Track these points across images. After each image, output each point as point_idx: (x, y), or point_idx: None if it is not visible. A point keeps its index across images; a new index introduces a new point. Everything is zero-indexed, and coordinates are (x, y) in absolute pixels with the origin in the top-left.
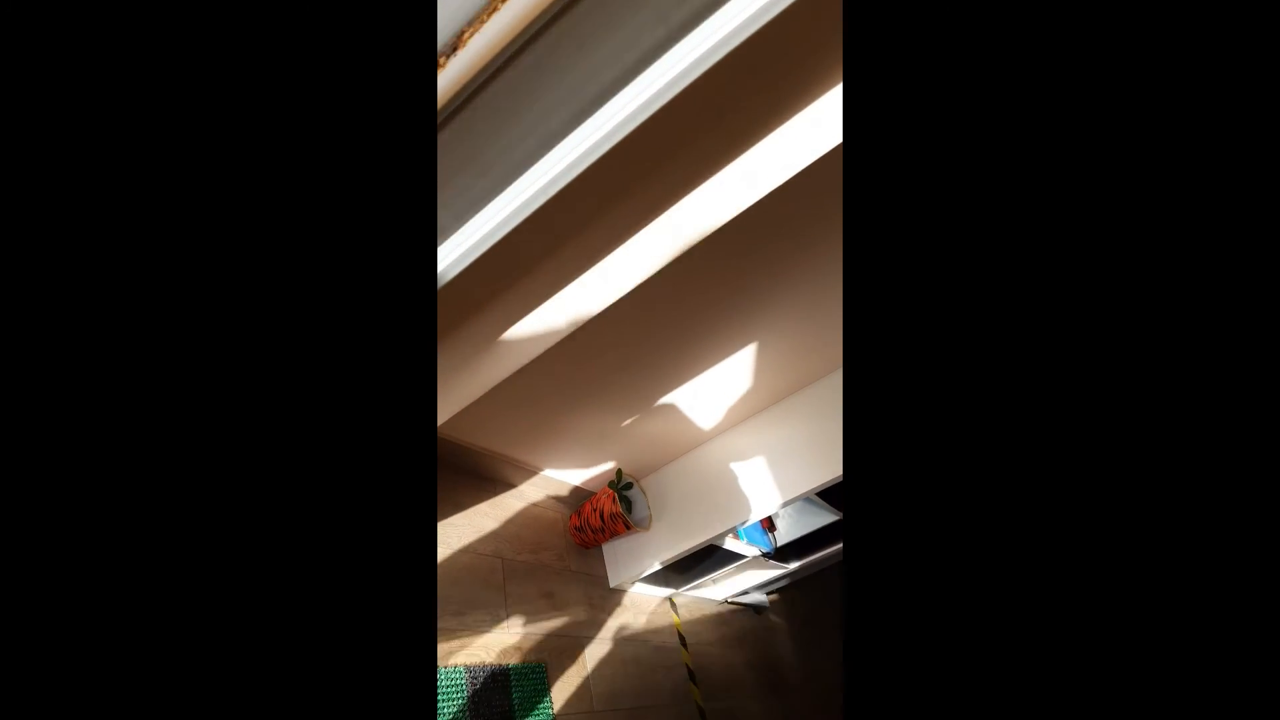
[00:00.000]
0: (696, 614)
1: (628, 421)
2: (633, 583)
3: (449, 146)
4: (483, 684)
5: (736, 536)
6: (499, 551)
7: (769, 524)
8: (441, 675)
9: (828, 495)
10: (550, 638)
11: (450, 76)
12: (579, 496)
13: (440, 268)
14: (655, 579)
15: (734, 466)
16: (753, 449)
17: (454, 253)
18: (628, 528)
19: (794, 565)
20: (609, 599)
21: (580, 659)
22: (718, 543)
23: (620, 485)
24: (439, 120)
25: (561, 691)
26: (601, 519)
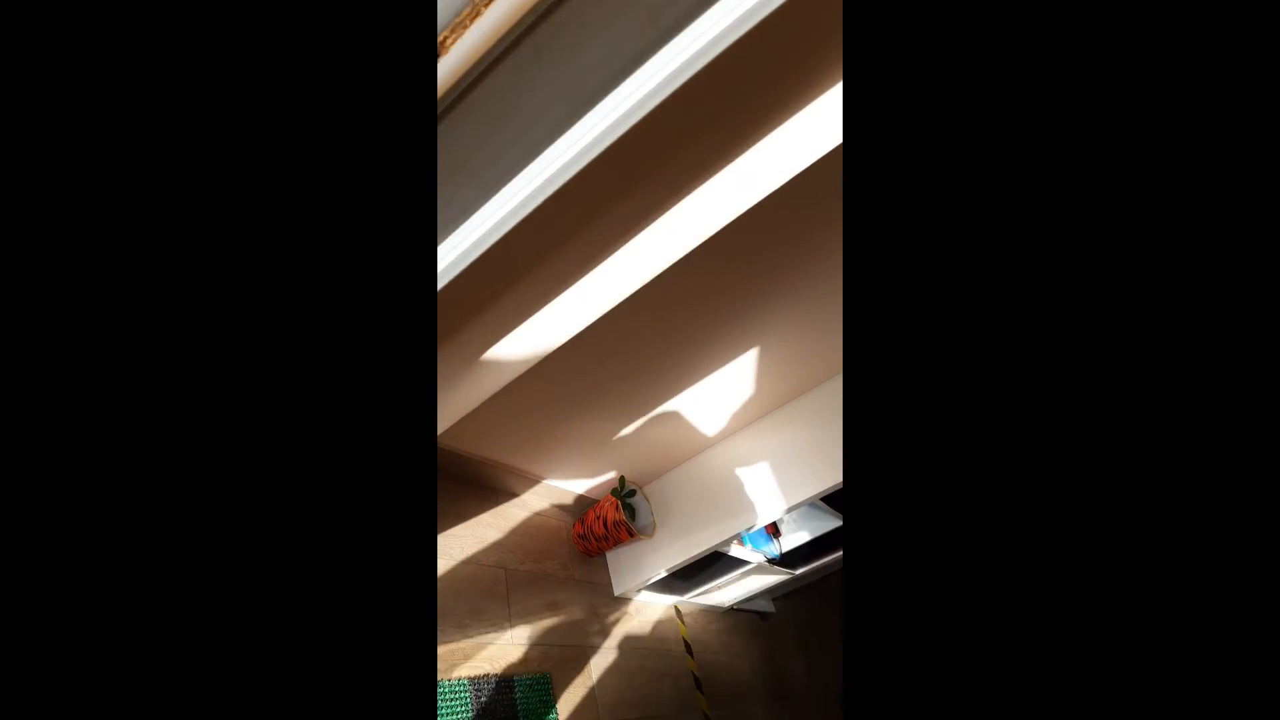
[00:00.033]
0: (702, 621)
1: (630, 428)
2: (637, 591)
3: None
4: (487, 696)
5: (741, 543)
6: (502, 562)
7: (774, 530)
8: (445, 688)
9: (832, 500)
10: (555, 648)
11: None
12: (582, 505)
13: None
14: (660, 586)
15: (738, 472)
16: (756, 454)
17: (445, 258)
18: (631, 535)
19: (800, 571)
20: (614, 607)
21: (585, 669)
22: (723, 549)
23: (623, 493)
24: None
25: (567, 702)
26: (605, 527)
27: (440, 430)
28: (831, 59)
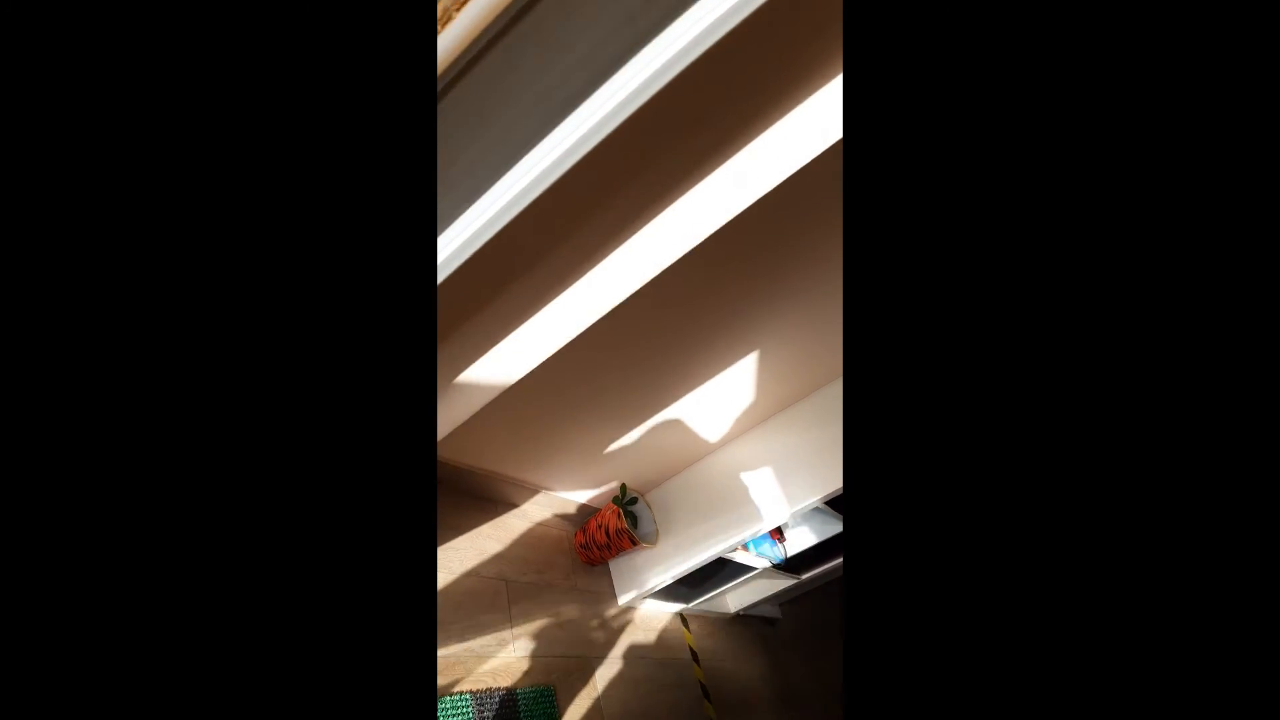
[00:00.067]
0: (708, 629)
1: (630, 435)
2: (642, 599)
3: None
4: (491, 711)
5: (746, 549)
6: (503, 574)
7: (778, 535)
8: (447, 703)
9: (837, 504)
10: (559, 659)
11: None
12: (584, 514)
13: None
14: (664, 595)
15: (740, 478)
16: (759, 459)
17: None
18: (634, 544)
19: (806, 576)
20: (618, 617)
21: (590, 680)
22: (727, 556)
23: (625, 500)
24: None
25: (572, 715)
26: (607, 535)
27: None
28: (826, 53)
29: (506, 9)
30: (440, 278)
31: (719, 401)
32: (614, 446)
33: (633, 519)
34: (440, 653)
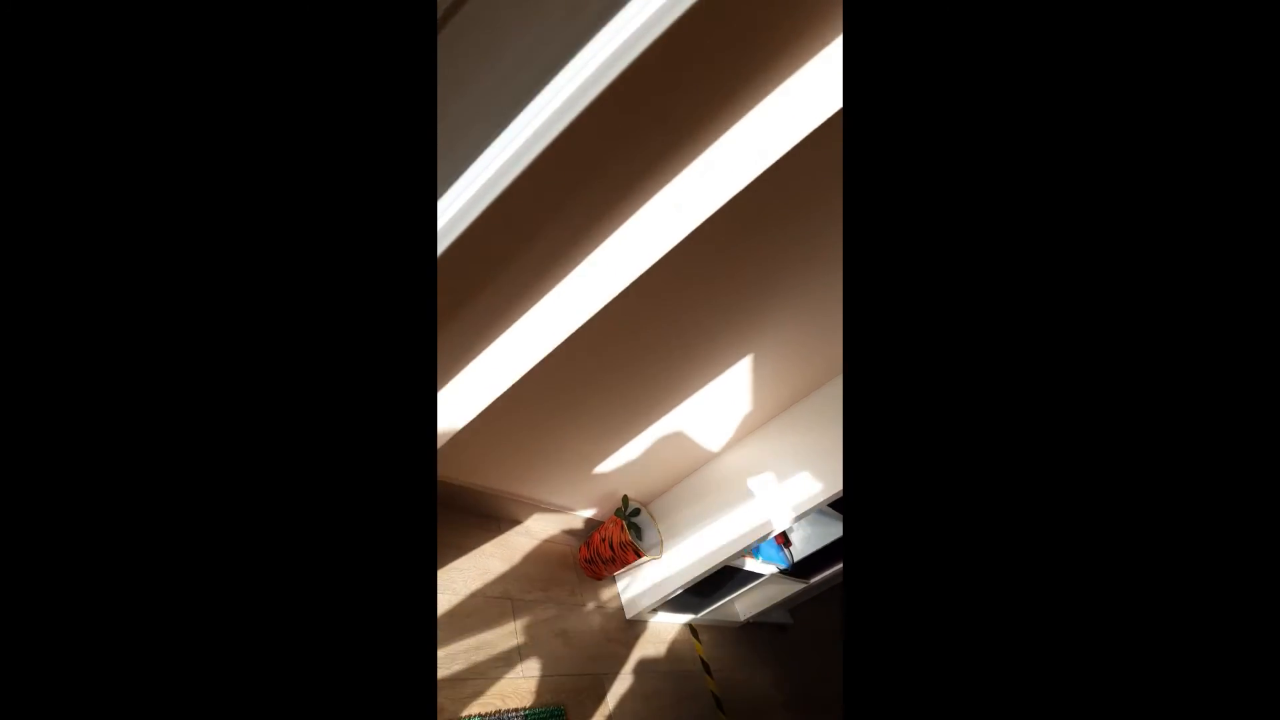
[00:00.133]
0: (718, 638)
1: (628, 446)
2: (650, 612)
3: None
4: None
5: (752, 555)
6: (508, 592)
7: (784, 539)
8: None
9: (840, 506)
10: (569, 678)
11: None
12: (588, 528)
13: None
14: (673, 606)
15: (741, 484)
16: (760, 464)
17: None
18: (639, 555)
19: (814, 580)
20: (627, 631)
21: (601, 697)
22: (734, 564)
23: (628, 512)
24: None
25: None
26: (611, 548)
27: None
28: (824, 18)
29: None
30: None
31: (716, 408)
32: (613, 457)
33: (636, 530)
34: (446, 676)
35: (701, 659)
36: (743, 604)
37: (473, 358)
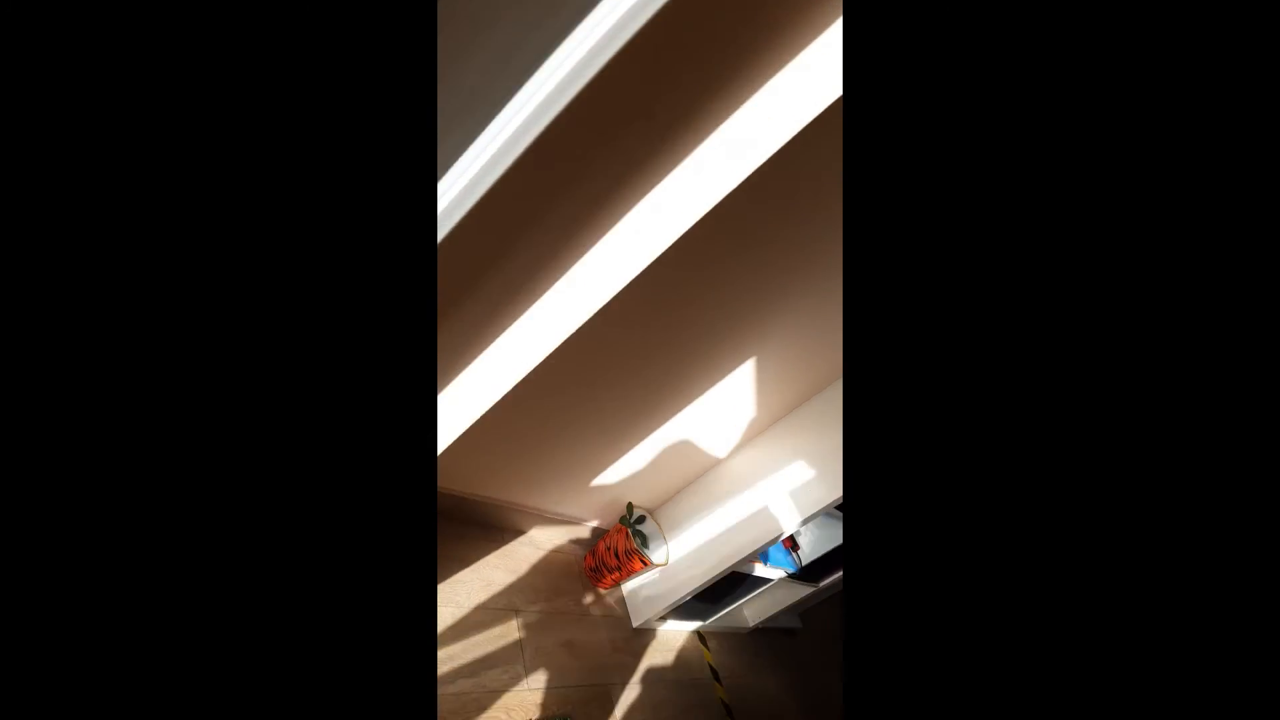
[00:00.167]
0: (727, 645)
1: (631, 453)
2: (657, 620)
3: None
4: None
5: (760, 560)
6: (513, 604)
7: (791, 543)
8: None
9: None
10: (576, 689)
11: None
12: (594, 536)
13: None
14: (680, 613)
15: (747, 488)
16: (764, 468)
17: None
18: (645, 563)
19: (823, 583)
20: (634, 640)
21: (609, 709)
22: (741, 569)
23: (632, 520)
24: None
25: None
26: (617, 557)
27: None
28: (803, 13)
29: None
30: None
31: (720, 413)
32: (616, 464)
33: (642, 538)
34: (452, 691)
35: (710, 666)
36: (751, 609)
37: (468, 363)
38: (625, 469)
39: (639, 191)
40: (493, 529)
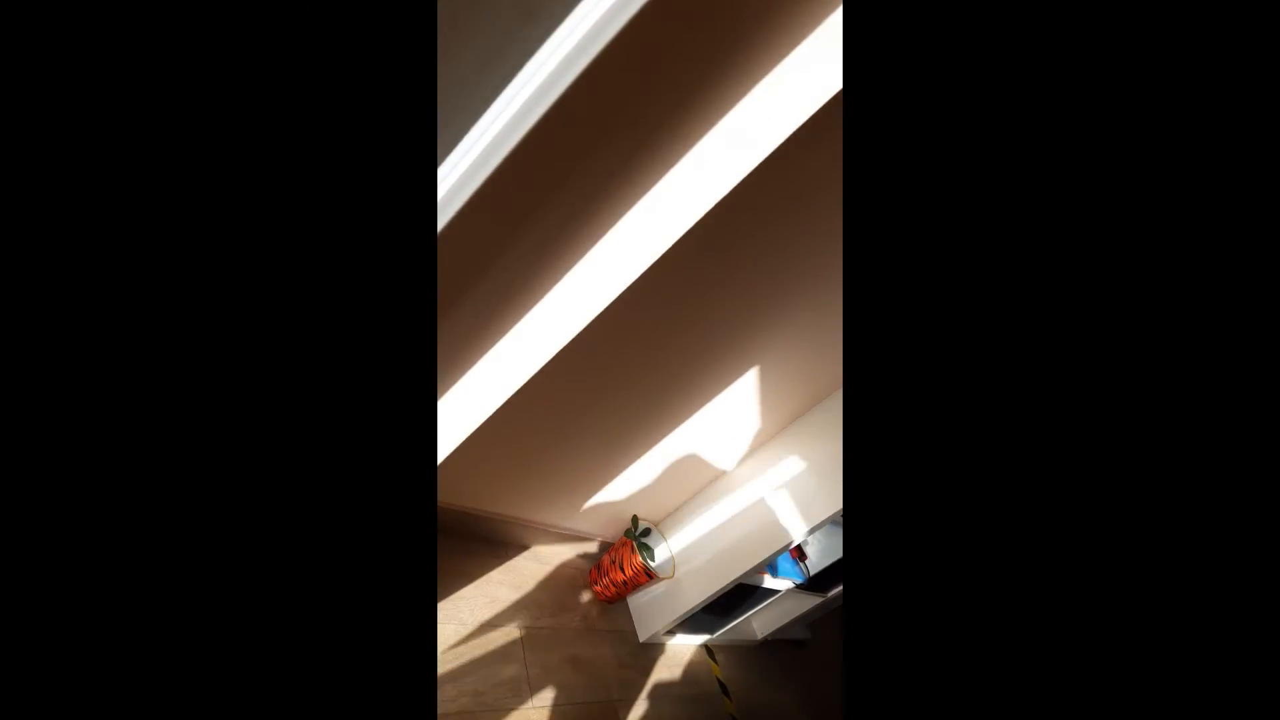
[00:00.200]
0: (736, 658)
1: (635, 466)
2: (664, 634)
3: None
4: None
5: (767, 571)
6: (517, 620)
7: (799, 553)
8: None
9: None
10: (582, 706)
11: None
12: (599, 550)
13: None
14: (688, 627)
15: (753, 499)
16: (770, 478)
17: None
18: (651, 577)
19: (832, 593)
20: (641, 655)
21: None
22: (748, 581)
23: (638, 533)
24: None
25: None
26: (622, 571)
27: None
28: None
29: None
30: None
31: (724, 423)
32: (620, 477)
33: (648, 551)
34: (455, 710)
35: (719, 680)
36: (759, 621)
37: (464, 372)
38: (629, 482)
39: (639, 191)
40: (496, 544)
